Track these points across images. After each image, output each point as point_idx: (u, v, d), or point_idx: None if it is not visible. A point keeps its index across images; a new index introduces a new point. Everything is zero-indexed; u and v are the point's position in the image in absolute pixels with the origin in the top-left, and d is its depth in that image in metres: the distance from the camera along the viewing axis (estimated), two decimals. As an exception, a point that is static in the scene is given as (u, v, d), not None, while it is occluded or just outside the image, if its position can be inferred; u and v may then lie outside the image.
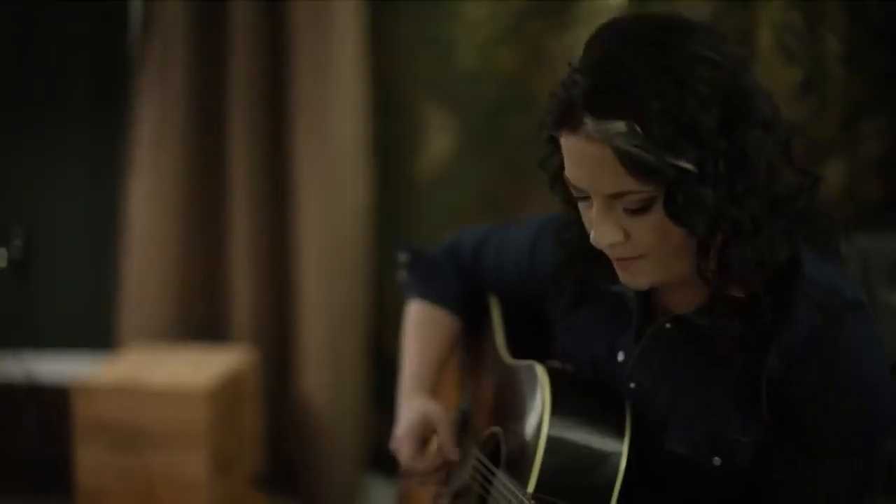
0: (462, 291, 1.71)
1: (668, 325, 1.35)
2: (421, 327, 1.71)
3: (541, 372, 1.42)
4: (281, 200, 2.91)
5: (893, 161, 2.49)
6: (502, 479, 1.42)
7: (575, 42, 2.66)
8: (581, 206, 1.28)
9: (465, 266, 1.70)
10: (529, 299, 1.58)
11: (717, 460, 1.30)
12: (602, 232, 1.23)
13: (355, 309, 2.90)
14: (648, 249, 1.23)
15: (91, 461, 2.58)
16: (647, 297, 1.39)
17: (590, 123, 1.18)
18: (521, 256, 1.58)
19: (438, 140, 2.90)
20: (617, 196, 1.21)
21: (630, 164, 1.17)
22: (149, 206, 2.93)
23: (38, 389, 2.90)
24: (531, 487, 1.31)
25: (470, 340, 1.75)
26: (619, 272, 1.29)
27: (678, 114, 1.16)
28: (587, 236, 1.31)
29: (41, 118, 3.14)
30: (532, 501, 1.29)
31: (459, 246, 1.72)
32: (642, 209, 1.21)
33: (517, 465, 1.39)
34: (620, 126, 1.16)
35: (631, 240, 1.23)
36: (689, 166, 1.17)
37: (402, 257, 1.77)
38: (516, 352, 1.57)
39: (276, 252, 2.93)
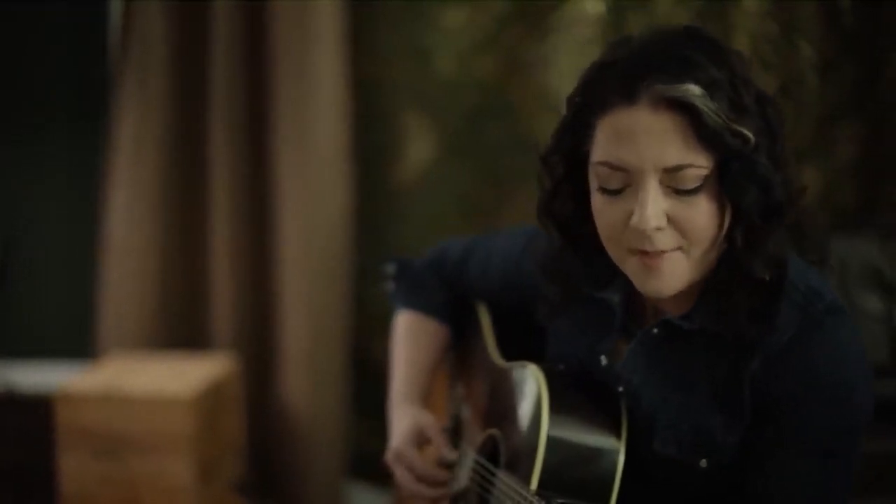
0: (449, 300, 1.72)
1: (655, 330, 1.36)
2: (409, 337, 1.72)
3: (536, 371, 1.43)
4: (261, 208, 2.91)
5: (868, 167, 2.53)
6: (504, 480, 1.44)
7: (553, 50, 2.69)
8: (607, 200, 1.25)
9: (450, 276, 1.72)
10: (516, 307, 1.59)
11: (703, 462, 1.33)
12: (650, 216, 1.21)
13: (336, 316, 2.91)
14: (690, 237, 1.23)
15: (74, 469, 2.57)
16: (632, 303, 1.41)
17: (662, 88, 1.18)
18: (509, 266, 1.60)
19: (418, 147, 2.91)
20: (676, 170, 1.20)
21: (704, 127, 1.18)
22: (128, 214, 2.93)
23: (18, 398, 2.90)
24: (534, 485, 1.33)
25: (458, 348, 1.76)
26: (644, 281, 1.26)
27: (731, 89, 1.20)
28: (576, 264, 1.35)
29: (20, 126, 3.12)
30: (536, 498, 1.31)
31: (444, 256, 1.73)
32: (694, 189, 1.21)
33: (518, 465, 1.41)
34: (696, 88, 1.18)
35: (674, 225, 1.23)
36: (750, 135, 1.20)
37: (389, 268, 1.78)
38: (510, 355, 1.58)
39: (256, 259, 2.93)
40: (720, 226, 1.24)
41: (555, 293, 1.45)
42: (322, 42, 2.81)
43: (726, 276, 1.28)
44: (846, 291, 2.21)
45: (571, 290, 1.43)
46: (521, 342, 1.57)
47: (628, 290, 1.39)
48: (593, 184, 1.27)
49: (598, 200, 1.27)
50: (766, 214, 1.24)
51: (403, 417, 1.64)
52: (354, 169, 2.91)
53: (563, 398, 1.39)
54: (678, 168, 1.20)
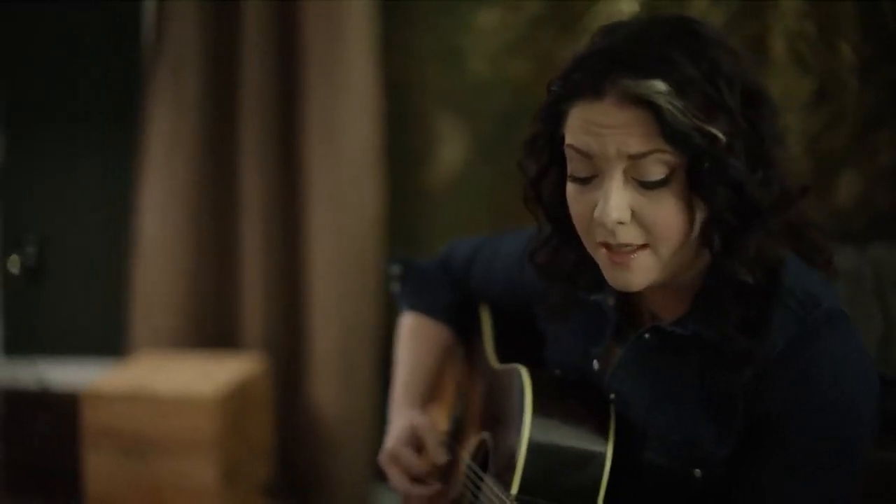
0: (454, 302, 1.72)
1: (647, 336, 1.34)
2: (413, 339, 1.73)
3: (524, 375, 1.41)
4: (292, 209, 2.91)
5: (907, 172, 2.49)
6: (489, 484, 1.42)
7: (587, 51, 2.66)
8: (577, 189, 1.24)
9: (456, 277, 1.71)
10: (520, 308, 1.58)
11: (697, 472, 1.29)
12: (612, 207, 1.19)
13: (366, 318, 2.90)
14: (655, 234, 1.21)
15: (100, 468, 2.58)
16: (627, 306, 1.38)
17: (627, 84, 1.17)
18: (511, 267, 1.58)
19: (450, 149, 2.89)
20: (640, 157, 1.18)
21: (667, 125, 1.16)
22: (160, 213, 2.94)
23: (49, 396, 2.92)
24: (514, 489, 1.31)
25: (463, 350, 1.75)
26: (612, 273, 1.25)
27: (709, 87, 1.18)
28: (566, 253, 1.32)
29: (54, 126, 3.15)
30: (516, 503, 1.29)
31: (451, 257, 1.73)
32: (660, 182, 1.19)
33: (504, 469, 1.39)
34: (661, 85, 1.16)
35: (638, 220, 1.20)
36: (720, 135, 1.17)
37: (395, 269, 1.78)
38: (507, 358, 1.56)
39: (287, 260, 2.93)
40: (689, 224, 1.21)
41: (552, 291, 1.43)
42: (354, 43, 2.80)
43: (718, 280, 1.25)
44: (883, 298, 2.16)
45: (566, 287, 1.40)
46: (523, 345, 1.55)
47: (623, 293, 1.36)
48: (569, 170, 1.26)
49: (570, 189, 1.26)
50: (743, 216, 1.21)
51: (400, 419, 1.63)
52: (386, 170, 2.90)
53: (550, 402, 1.37)
54: (642, 155, 1.18)
